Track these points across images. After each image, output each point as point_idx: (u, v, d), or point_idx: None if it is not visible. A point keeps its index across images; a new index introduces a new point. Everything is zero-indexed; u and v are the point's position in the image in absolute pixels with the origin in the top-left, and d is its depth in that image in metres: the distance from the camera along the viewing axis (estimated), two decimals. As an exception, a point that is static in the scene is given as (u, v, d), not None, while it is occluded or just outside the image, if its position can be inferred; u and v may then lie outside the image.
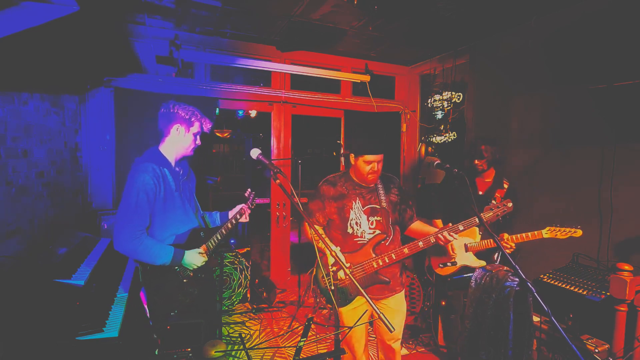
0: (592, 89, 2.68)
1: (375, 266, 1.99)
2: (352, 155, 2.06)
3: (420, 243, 1.96)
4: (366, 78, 4.45)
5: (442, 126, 4.26)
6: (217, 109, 4.00)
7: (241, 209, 2.17)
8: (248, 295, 3.89)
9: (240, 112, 7.19)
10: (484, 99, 3.82)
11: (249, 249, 3.95)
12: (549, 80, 3.12)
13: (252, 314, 3.68)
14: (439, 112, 4.22)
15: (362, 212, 2.07)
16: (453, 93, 4.02)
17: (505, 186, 2.65)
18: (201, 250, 1.98)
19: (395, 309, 2.13)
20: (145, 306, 1.96)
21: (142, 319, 2.03)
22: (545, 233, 2.24)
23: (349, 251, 2.04)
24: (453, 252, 2.43)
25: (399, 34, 3.71)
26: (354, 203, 2.07)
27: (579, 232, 2.14)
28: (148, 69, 3.66)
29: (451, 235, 1.90)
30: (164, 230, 1.91)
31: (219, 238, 2.07)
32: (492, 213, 1.97)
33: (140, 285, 2.00)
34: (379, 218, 2.07)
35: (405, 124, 4.93)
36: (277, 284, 4.29)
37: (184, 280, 1.96)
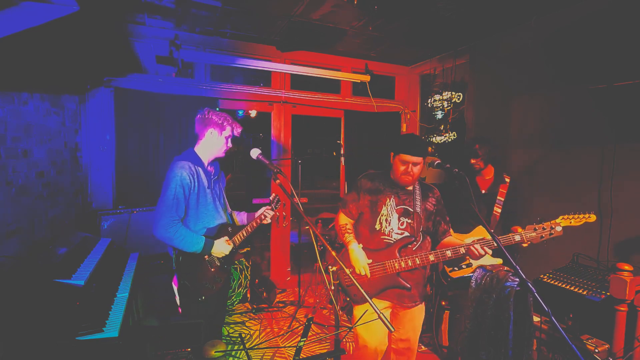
0: (592, 89, 2.68)
1: (397, 267, 1.93)
2: (392, 153, 2.03)
3: (449, 252, 1.88)
4: (366, 78, 4.45)
5: (442, 126, 4.26)
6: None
7: (265, 211, 2.28)
8: (248, 295, 3.89)
9: (240, 112, 7.19)
10: (484, 99, 3.82)
11: (249, 249, 3.95)
12: (549, 80, 3.12)
13: (252, 314, 3.68)
14: (439, 112, 4.21)
15: (394, 211, 2.02)
16: (453, 93, 4.02)
17: (507, 180, 2.63)
18: (228, 239, 2.16)
19: (410, 322, 2.09)
20: (176, 291, 2.12)
21: (143, 319, 2.03)
22: (560, 221, 2.15)
23: (374, 249, 2.00)
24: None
25: (399, 34, 3.71)
26: (388, 200, 2.04)
27: (593, 217, 2.02)
28: (148, 69, 3.66)
29: (484, 249, 1.81)
30: (197, 222, 2.10)
31: (245, 235, 2.24)
32: (535, 234, 1.82)
33: (173, 272, 2.16)
34: (410, 220, 2.02)
35: (405, 124, 4.93)
36: (277, 284, 4.29)
37: (212, 269, 2.12)
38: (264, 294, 3.98)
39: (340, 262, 1.49)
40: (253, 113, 7.11)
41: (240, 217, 2.46)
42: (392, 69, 4.79)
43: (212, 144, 2.15)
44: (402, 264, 1.93)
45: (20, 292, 1.77)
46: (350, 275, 1.40)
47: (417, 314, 2.11)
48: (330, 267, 2.07)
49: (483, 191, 2.65)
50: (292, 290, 4.26)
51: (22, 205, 2.28)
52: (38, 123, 2.55)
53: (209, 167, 2.20)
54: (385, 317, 1.26)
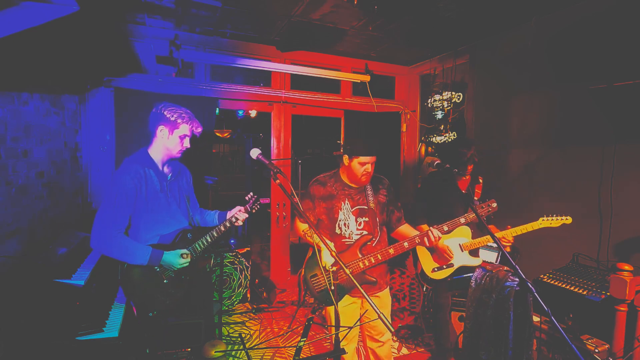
0: (593, 88, 2.68)
1: (362, 266, 2.00)
2: (346, 156, 2.05)
3: (406, 244, 1.99)
4: (366, 78, 4.45)
5: (442, 126, 4.26)
6: (217, 109, 4.00)
7: (236, 212, 2.09)
8: (248, 295, 3.89)
9: (240, 112, 7.18)
10: (484, 99, 3.82)
11: (249, 249, 3.95)
12: (549, 80, 3.12)
13: (252, 314, 3.68)
14: (439, 112, 4.21)
15: (350, 213, 2.08)
16: (453, 93, 4.02)
17: (480, 180, 2.71)
18: (184, 251, 1.93)
19: (381, 305, 2.14)
20: (133, 305, 1.94)
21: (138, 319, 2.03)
22: (540, 223, 2.26)
23: (336, 252, 2.05)
24: (450, 254, 2.42)
25: (399, 34, 3.71)
26: (342, 204, 2.08)
27: (569, 219, 2.21)
28: (148, 69, 3.66)
29: (437, 235, 1.93)
30: (148, 230, 1.91)
31: (209, 240, 2.02)
32: (482, 211, 2.05)
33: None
34: (366, 219, 2.08)
35: (405, 124, 4.93)
36: (277, 284, 4.29)
37: (165, 281, 1.92)
38: (264, 294, 3.98)
39: (340, 262, 1.48)
40: (253, 113, 7.11)
41: (210, 218, 2.25)
42: (392, 69, 4.79)
43: (164, 143, 1.94)
44: (367, 262, 2.00)
45: (21, 292, 1.77)
46: (350, 275, 1.41)
47: (384, 298, 2.17)
48: (330, 266, 2.07)
49: (463, 191, 2.68)
50: (292, 290, 4.26)
51: (22, 205, 2.28)
52: (38, 123, 2.55)
53: (164, 169, 2.00)
54: (385, 317, 1.26)
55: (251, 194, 2.12)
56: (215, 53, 3.85)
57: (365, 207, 2.09)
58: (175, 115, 1.93)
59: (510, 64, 3.50)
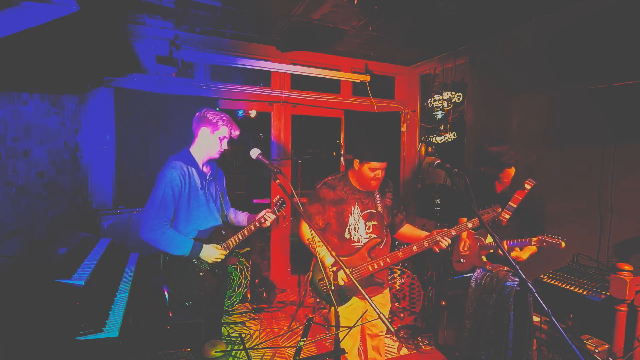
0: (593, 88, 2.68)
1: (371, 269, 2.00)
2: (357, 160, 2.03)
3: (415, 247, 1.97)
4: (366, 78, 4.45)
5: (442, 126, 4.26)
6: (217, 109, 4.00)
7: (265, 214, 2.19)
8: (248, 295, 3.89)
9: (240, 112, 7.18)
10: (484, 98, 3.82)
11: (249, 249, 3.95)
12: (549, 80, 3.12)
13: (252, 314, 3.68)
14: (439, 112, 4.22)
15: (360, 218, 2.07)
16: (453, 93, 4.02)
17: (527, 187, 2.28)
18: (219, 245, 2.10)
19: (382, 303, 2.17)
20: (166, 294, 2.06)
21: (143, 318, 2.03)
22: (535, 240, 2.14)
23: (345, 254, 2.05)
24: (464, 250, 2.41)
25: (399, 34, 3.71)
26: (352, 208, 2.07)
27: (562, 244, 2.07)
28: (148, 69, 3.66)
29: (444, 240, 1.91)
30: (188, 224, 2.05)
31: (240, 238, 2.16)
32: (482, 218, 1.92)
33: (160, 274, 2.13)
34: (375, 222, 2.09)
35: (405, 124, 4.93)
36: (277, 284, 4.29)
37: (200, 274, 2.07)
38: (264, 294, 3.98)
39: (341, 262, 1.49)
40: (253, 113, 7.11)
41: (240, 218, 2.40)
42: (392, 69, 4.79)
43: (205, 143, 2.09)
44: (376, 266, 2.00)
45: (20, 292, 1.77)
46: (350, 275, 1.41)
47: (386, 298, 2.21)
48: (330, 267, 2.07)
49: (498, 193, 2.47)
50: (292, 290, 4.26)
51: (22, 205, 2.28)
52: (38, 123, 2.55)
53: (203, 168, 2.14)
54: (385, 317, 1.26)
55: (278, 196, 2.22)
56: (215, 53, 3.85)
57: (374, 211, 2.09)
58: (216, 118, 2.07)
59: (510, 64, 3.49)
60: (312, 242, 2.06)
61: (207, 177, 2.14)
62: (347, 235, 2.07)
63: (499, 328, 2.29)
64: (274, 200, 2.22)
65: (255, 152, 1.88)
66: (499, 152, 2.32)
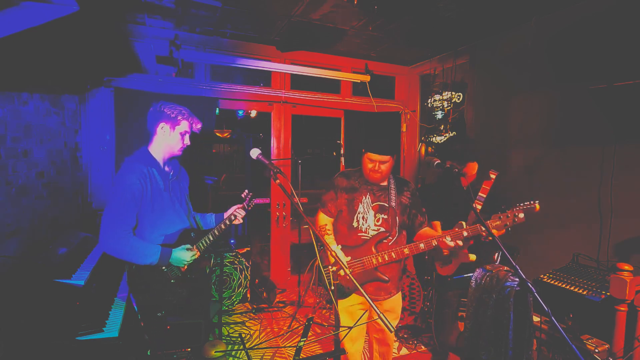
0: (593, 88, 2.68)
1: (375, 262, 2.00)
2: (363, 149, 2.08)
3: (422, 245, 1.95)
4: (366, 78, 4.45)
5: (442, 126, 4.26)
6: (217, 109, 4.00)
7: (235, 210, 2.12)
8: (248, 295, 3.89)
9: (240, 112, 7.19)
10: (484, 98, 3.82)
11: (249, 249, 3.95)
12: (549, 80, 3.12)
13: (252, 314, 3.68)
14: (439, 112, 4.21)
15: (370, 208, 2.08)
16: (453, 93, 4.02)
17: (493, 177, 2.45)
18: (189, 246, 1.95)
19: (389, 309, 2.14)
20: (135, 306, 1.94)
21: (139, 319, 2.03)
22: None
23: (351, 245, 2.05)
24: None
25: (399, 34, 3.71)
26: (364, 197, 2.09)
27: (537, 207, 2.00)
28: (148, 69, 3.66)
29: (454, 242, 1.90)
30: (153, 230, 1.90)
31: (211, 239, 2.04)
32: (499, 222, 1.91)
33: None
34: (385, 216, 2.08)
35: (405, 124, 4.93)
36: (277, 284, 4.29)
37: (172, 281, 1.92)
38: (264, 294, 3.98)
39: (341, 262, 1.49)
40: (253, 113, 7.11)
41: (208, 221, 2.25)
42: (392, 69, 4.79)
43: (166, 140, 1.94)
44: (380, 259, 1.99)
45: (21, 292, 1.77)
46: (350, 275, 1.41)
47: (394, 304, 2.18)
48: (330, 266, 2.07)
49: (464, 187, 2.60)
50: (292, 290, 4.26)
51: (22, 205, 2.28)
52: (38, 123, 2.55)
53: (165, 167, 1.99)
54: (385, 317, 1.26)
55: (246, 191, 2.15)
56: (215, 53, 3.85)
57: (386, 205, 2.09)
58: (175, 112, 1.94)
59: (510, 64, 3.49)
60: (322, 230, 2.10)
61: (170, 177, 2.00)
62: (355, 224, 2.08)
63: (499, 328, 2.29)
64: (243, 196, 2.13)
65: (255, 152, 1.86)
66: (462, 148, 2.51)
